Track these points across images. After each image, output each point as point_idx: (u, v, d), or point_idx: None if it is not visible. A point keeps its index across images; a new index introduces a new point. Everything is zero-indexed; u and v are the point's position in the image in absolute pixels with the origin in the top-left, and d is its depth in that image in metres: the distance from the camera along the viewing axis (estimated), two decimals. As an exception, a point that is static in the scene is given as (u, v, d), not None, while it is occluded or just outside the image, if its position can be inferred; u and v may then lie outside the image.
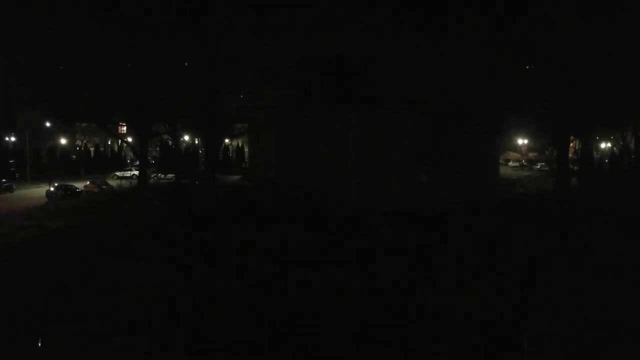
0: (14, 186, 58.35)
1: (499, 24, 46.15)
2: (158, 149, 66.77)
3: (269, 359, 19.23)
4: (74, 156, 76.09)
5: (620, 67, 43.61)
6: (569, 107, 47.46)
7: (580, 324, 20.68)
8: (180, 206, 42.72)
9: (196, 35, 48.24)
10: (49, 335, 20.84)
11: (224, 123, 54.46)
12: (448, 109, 45.20)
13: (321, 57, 48.51)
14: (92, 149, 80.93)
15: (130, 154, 78.88)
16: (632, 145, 58.70)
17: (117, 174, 65.73)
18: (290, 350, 19.40)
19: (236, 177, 63.42)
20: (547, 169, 66.33)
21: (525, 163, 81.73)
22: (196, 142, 76.50)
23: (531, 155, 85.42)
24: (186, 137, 77.49)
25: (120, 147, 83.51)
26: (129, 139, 68.13)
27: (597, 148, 68.72)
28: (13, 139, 71.35)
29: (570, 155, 56.47)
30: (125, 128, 74.25)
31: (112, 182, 59.34)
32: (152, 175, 57.51)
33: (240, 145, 77.35)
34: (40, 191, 54.43)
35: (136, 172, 60.69)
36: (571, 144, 59.08)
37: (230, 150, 77.35)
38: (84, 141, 77.65)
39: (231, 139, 74.21)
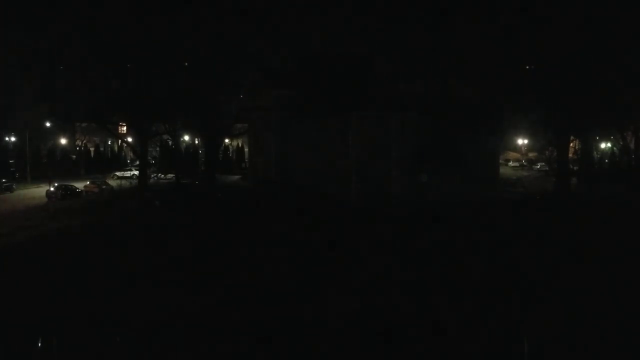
0: (14, 186, 58.27)
1: (499, 25, 46.14)
2: (158, 149, 66.74)
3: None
4: (74, 156, 76.01)
5: (620, 68, 43.63)
6: (569, 107, 47.44)
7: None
8: (181, 206, 42.75)
9: (196, 35, 48.24)
10: (47, 335, 20.84)
11: (224, 123, 54.51)
12: (448, 109, 45.21)
13: (321, 57, 48.56)
14: (92, 149, 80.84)
15: (130, 154, 78.83)
16: (632, 145, 58.70)
17: (117, 174, 65.67)
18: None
19: (236, 177, 63.41)
20: (547, 169, 66.27)
21: (525, 163, 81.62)
22: (196, 142, 76.48)
23: (531, 155, 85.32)
24: (186, 137, 77.45)
25: (120, 147, 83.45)
26: (129, 139, 68.10)
27: (597, 148, 68.65)
28: (13, 139, 71.30)
29: (570, 155, 56.47)
30: (125, 128, 74.22)
31: (112, 182, 59.27)
32: (152, 175, 57.49)
33: (240, 145, 77.31)
34: (40, 191, 54.37)
35: (136, 172, 60.65)
36: (571, 144, 59.06)
37: (230, 150, 77.30)
38: (84, 141, 77.58)
39: (231, 139, 74.21)
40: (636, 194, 44.17)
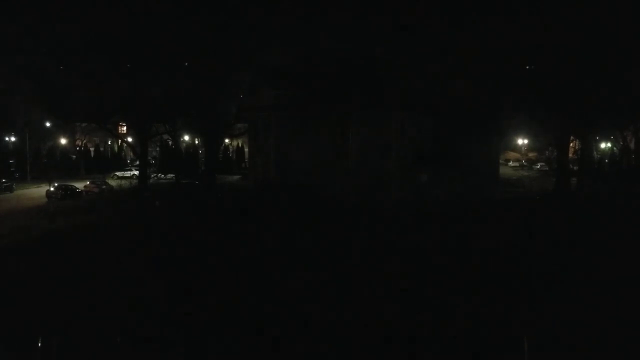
0: (14, 186, 58.31)
1: (500, 25, 46.14)
2: (158, 149, 66.78)
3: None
4: (74, 156, 76.07)
5: (620, 68, 43.64)
6: (569, 107, 47.47)
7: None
8: (181, 206, 42.74)
9: (197, 35, 48.22)
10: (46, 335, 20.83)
11: (224, 123, 54.52)
12: (448, 109, 45.23)
13: (321, 57, 48.52)
14: (92, 149, 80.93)
15: (130, 154, 78.87)
16: (632, 145, 58.75)
17: (117, 174, 65.72)
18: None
19: (236, 177, 63.44)
20: (547, 168, 66.45)
21: (525, 163, 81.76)
22: (196, 142, 76.53)
23: (531, 155, 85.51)
24: (186, 137, 77.51)
25: (120, 147, 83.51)
26: (129, 139, 68.14)
27: (597, 148, 68.75)
28: (13, 139, 71.33)
29: (570, 155, 56.53)
30: (125, 128, 74.29)
31: (112, 182, 59.31)
32: (152, 175, 57.51)
33: (240, 145, 77.39)
34: (40, 191, 54.38)
35: (136, 172, 60.68)
36: (571, 144, 59.13)
37: (230, 150, 77.40)
38: (84, 141, 77.63)
39: (231, 139, 74.29)
40: (636, 193, 44.15)
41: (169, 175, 56.34)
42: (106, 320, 21.52)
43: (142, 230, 35.62)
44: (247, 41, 49.41)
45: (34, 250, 32.17)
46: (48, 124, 71.96)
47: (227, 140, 71.77)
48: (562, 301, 23.02)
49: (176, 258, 29.19)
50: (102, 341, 20.17)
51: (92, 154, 79.72)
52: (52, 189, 52.29)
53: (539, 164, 75.03)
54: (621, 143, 61.67)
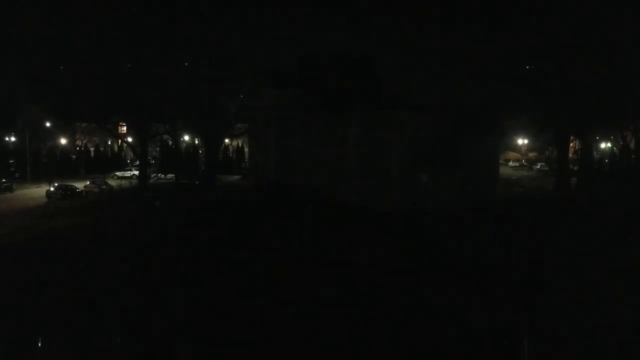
0: (14, 186, 58.31)
1: (500, 25, 46.12)
2: (158, 149, 66.76)
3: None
4: (74, 156, 76.05)
5: (620, 68, 43.61)
6: (569, 107, 47.45)
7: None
8: (180, 206, 42.74)
9: (197, 35, 48.22)
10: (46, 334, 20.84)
11: (224, 123, 54.50)
12: (448, 109, 45.17)
13: (322, 57, 48.49)
14: (92, 149, 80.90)
15: (130, 154, 78.85)
16: (632, 145, 58.73)
17: (117, 174, 65.72)
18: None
19: (236, 177, 63.41)
20: (547, 169, 66.43)
21: (525, 163, 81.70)
22: (196, 142, 76.49)
23: (531, 155, 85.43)
24: (186, 137, 77.49)
25: (120, 147, 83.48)
26: (129, 139, 68.11)
27: (597, 148, 68.73)
28: (13, 139, 71.32)
29: (570, 155, 56.50)
30: (125, 128, 74.26)
31: (112, 182, 59.32)
32: (152, 175, 57.49)
33: (240, 145, 77.33)
34: (40, 191, 54.38)
35: (136, 172, 60.65)
36: (571, 144, 59.09)
37: (230, 150, 77.34)
38: (84, 141, 77.63)
39: (231, 139, 74.22)
40: (636, 193, 44.14)
41: (169, 175, 56.33)
42: (106, 320, 21.52)
43: (142, 230, 35.63)
44: (248, 41, 49.37)
45: (34, 250, 32.16)
46: (48, 124, 71.97)
47: (227, 140, 71.71)
48: (562, 301, 23.03)
49: (176, 258, 29.19)
50: (102, 341, 20.18)
51: (92, 154, 79.67)
52: (52, 189, 52.29)
53: (539, 164, 74.99)
54: (621, 143, 61.65)
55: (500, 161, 58.13)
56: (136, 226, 37.18)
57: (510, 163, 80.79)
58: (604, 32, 42.74)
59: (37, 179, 59.87)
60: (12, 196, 54.27)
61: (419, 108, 45.44)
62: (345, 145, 46.58)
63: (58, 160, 72.08)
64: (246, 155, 70.68)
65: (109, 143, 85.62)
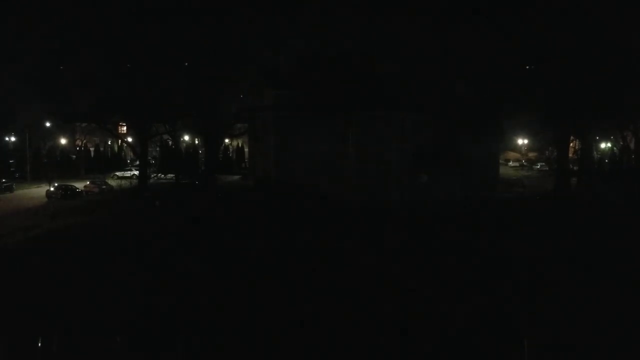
0: (14, 186, 58.29)
1: (500, 24, 46.15)
2: (158, 149, 66.76)
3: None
4: (74, 156, 76.04)
5: (620, 67, 43.63)
6: (570, 107, 47.47)
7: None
8: (180, 206, 42.76)
9: (197, 35, 48.24)
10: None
11: (224, 123, 54.53)
12: (448, 109, 45.22)
13: (322, 56, 48.53)
14: (92, 149, 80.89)
15: (130, 154, 78.85)
16: (632, 145, 58.75)
17: (117, 174, 65.72)
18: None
19: (236, 177, 63.42)
20: (547, 168, 66.45)
21: (525, 163, 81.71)
22: (196, 142, 76.51)
23: (531, 155, 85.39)
24: (186, 137, 77.49)
25: (120, 147, 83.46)
26: (129, 139, 68.11)
27: (597, 148, 68.74)
28: (13, 139, 71.30)
29: (570, 155, 56.50)
30: (125, 128, 74.24)
31: (112, 182, 59.32)
32: (152, 175, 57.48)
33: (240, 145, 77.34)
34: (40, 191, 54.35)
35: (136, 172, 60.66)
36: (571, 144, 59.09)
37: (230, 150, 77.35)
38: (84, 141, 77.61)
39: (231, 139, 74.24)
40: (636, 193, 44.15)
41: (169, 175, 56.33)
42: (105, 320, 21.51)
43: (141, 230, 35.63)
44: (248, 41, 49.40)
45: (34, 250, 32.15)
46: (48, 124, 71.93)
47: (227, 140, 71.73)
48: (561, 301, 23.03)
49: (175, 257, 29.19)
50: (102, 340, 20.17)
51: (92, 154, 79.65)
52: (52, 189, 52.27)
53: (539, 164, 75.01)
54: (621, 143, 61.68)
55: (500, 161, 58.17)
56: (136, 226, 37.17)
57: (510, 163, 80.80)
58: (604, 32, 42.74)
59: (37, 179, 59.82)
60: (12, 196, 54.23)
61: (419, 108, 45.48)
62: (345, 145, 46.60)
63: (58, 160, 72.05)
64: (246, 155, 70.69)
65: (109, 143, 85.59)
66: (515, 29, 45.51)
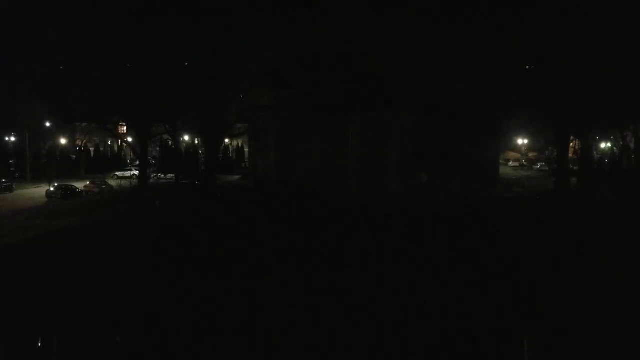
0: (14, 186, 58.32)
1: (500, 25, 46.13)
2: (158, 149, 66.75)
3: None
4: (74, 156, 76.08)
5: (620, 68, 43.63)
6: (569, 107, 47.49)
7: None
8: (180, 206, 42.75)
9: (197, 35, 48.18)
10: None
11: (224, 123, 54.49)
12: (448, 109, 45.24)
13: (322, 57, 48.51)
14: (92, 149, 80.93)
15: (130, 154, 78.87)
16: (632, 145, 58.78)
17: (117, 174, 65.76)
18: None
19: (236, 177, 63.44)
20: (547, 168, 66.53)
21: (525, 163, 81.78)
22: (196, 142, 76.51)
23: (531, 155, 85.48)
24: (186, 137, 77.49)
25: (120, 147, 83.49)
26: (129, 139, 68.11)
27: (597, 148, 68.78)
28: (13, 139, 71.32)
29: (570, 155, 56.50)
30: (125, 128, 74.24)
31: (112, 182, 59.36)
32: (152, 175, 57.49)
33: (240, 145, 77.36)
34: (40, 191, 54.38)
35: (136, 172, 60.65)
36: (571, 144, 59.10)
37: (230, 150, 77.37)
38: (84, 141, 77.64)
39: (231, 139, 74.24)
40: (636, 193, 44.17)
41: (169, 175, 56.32)
42: (105, 320, 21.52)
43: (141, 230, 35.62)
44: (247, 41, 49.36)
45: (34, 250, 32.16)
46: (48, 124, 71.93)
47: (227, 140, 71.73)
48: (561, 301, 23.03)
49: (175, 257, 29.19)
50: (102, 340, 20.17)
51: (92, 154, 79.72)
52: (52, 189, 52.33)
53: (539, 164, 75.07)
54: (621, 143, 61.72)
55: (500, 161, 58.20)
56: (136, 226, 37.16)
57: (510, 163, 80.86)
58: (604, 32, 42.73)
59: (37, 179, 59.88)
60: (12, 196, 54.26)
61: (419, 108, 45.49)
62: (345, 145, 46.61)
63: (58, 160, 72.11)
64: (246, 155, 70.67)
65: (109, 143, 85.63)
66: (515, 29, 45.46)
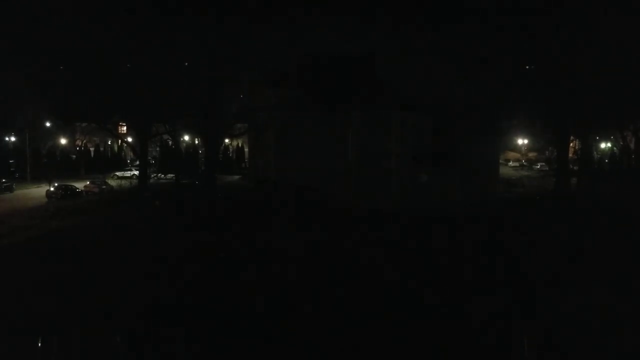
0: (14, 186, 58.32)
1: (500, 25, 46.15)
2: (158, 149, 66.78)
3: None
4: (74, 156, 76.09)
5: (620, 67, 43.62)
6: (569, 107, 47.50)
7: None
8: (180, 206, 42.74)
9: (197, 35, 48.20)
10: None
11: (224, 123, 54.50)
12: (448, 109, 45.25)
13: (321, 56, 48.54)
14: (92, 149, 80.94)
15: (130, 154, 78.88)
16: (632, 145, 58.78)
17: (117, 174, 65.77)
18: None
19: (236, 177, 63.48)
20: (547, 168, 66.51)
21: (525, 163, 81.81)
22: (196, 142, 76.53)
23: (531, 155, 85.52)
24: (186, 137, 77.51)
25: (120, 147, 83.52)
26: (129, 139, 68.12)
27: (597, 148, 68.80)
28: (13, 139, 71.33)
29: (570, 155, 56.50)
30: (125, 128, 74.28)
31: (112, 182, 59.36)
32: (152, 175, 57.50)
33: (240, 145, 77.40)
34: (40, 191, 54.37)
35: (136, 172, 60.68)
36: (571, 144, 59.10)
37: (230, 150, 77.40)
38: (84, 141, 77.66)
39: (231, 139, 74.26)
40: (636, 193, 44.16)
41: (169, 175, 56.32)
42: (105, 320, 21.52)
43: (141, 230, 35.63)
44: (247, 41, 49.36)
45: (34, 250, 32.16)
46: (48, 124, 71.95)
47: (227, 140, 71.76)
48: (561, 301, 23.03)
49: (175, 257, 29.19)
50: (102, 340, 20.17)
51: (92, 154, 79.75)
52: (52, 189, 52.32)
53: (539, 164, 75.06)
54: (621, 143, 61.70)
55: (500, 161, 58.22)
56: (136, 226, 37.17)
57: (510, 163, 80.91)
58: (604, 32, 42.74)
59: (37, 179, 59.86)
60: (12, 196, 54.25)
61: (418, 108, 45.51)
62: (345, 145, 46.64)
63: (58, 160, 72.16)
64: (246, 155, 70.71)
65: (109, 143, 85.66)
66: (515, 29, 45.47)
